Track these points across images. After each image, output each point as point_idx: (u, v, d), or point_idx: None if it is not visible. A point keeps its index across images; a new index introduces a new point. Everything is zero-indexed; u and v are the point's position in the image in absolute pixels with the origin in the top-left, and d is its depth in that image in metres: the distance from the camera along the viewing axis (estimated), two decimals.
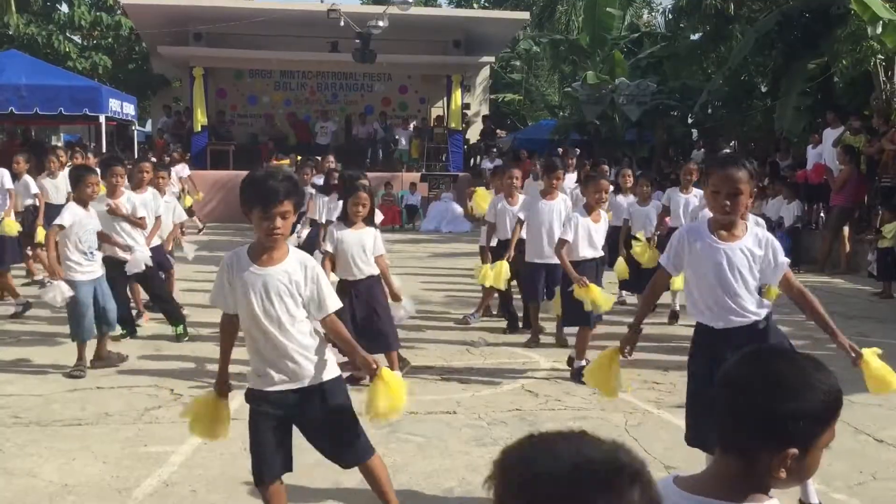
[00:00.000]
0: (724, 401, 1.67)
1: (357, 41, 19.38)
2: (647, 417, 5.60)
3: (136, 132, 22.73)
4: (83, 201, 6.56)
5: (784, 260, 3.88)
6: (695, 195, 8.53)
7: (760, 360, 1.68)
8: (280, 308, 3.41)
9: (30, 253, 9.99)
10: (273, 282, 3.40)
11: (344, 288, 5.91)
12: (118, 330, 7.05)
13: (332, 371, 3.57)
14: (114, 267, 7.04)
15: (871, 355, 3.72)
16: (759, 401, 1.59)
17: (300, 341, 3.46)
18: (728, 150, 17.70)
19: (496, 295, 8.52)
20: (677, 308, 8.65)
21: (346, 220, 6.08)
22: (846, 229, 13.32)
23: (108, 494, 4.21)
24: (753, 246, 3.83)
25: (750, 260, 3.81)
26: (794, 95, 15.99)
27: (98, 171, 7.25)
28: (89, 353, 6.56)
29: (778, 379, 1.60)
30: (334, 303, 3.56)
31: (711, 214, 3.95)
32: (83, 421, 5.33)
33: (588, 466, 1.20)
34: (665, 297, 9.06)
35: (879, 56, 13.88)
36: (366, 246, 6.04)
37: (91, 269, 6.52)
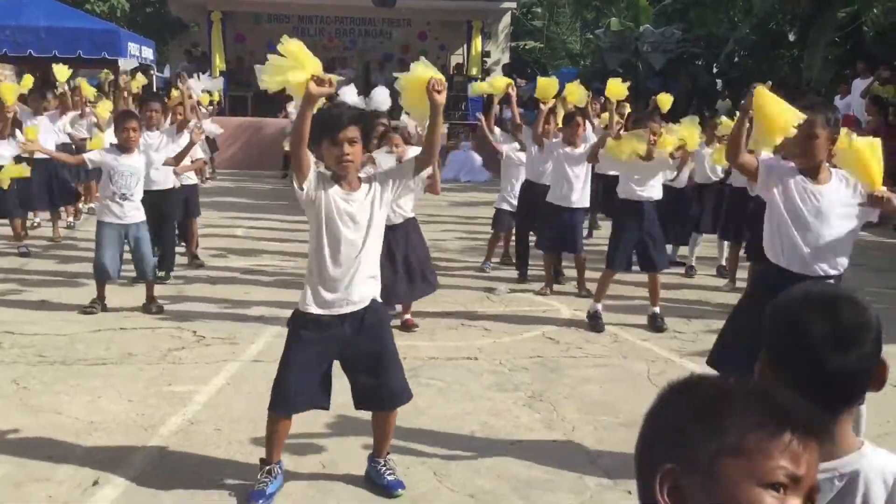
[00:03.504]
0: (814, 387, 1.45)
1: None
2: (670, 366, 5.57)
3: (155, 77, 22.58)
4: (121, 146, 6.54)
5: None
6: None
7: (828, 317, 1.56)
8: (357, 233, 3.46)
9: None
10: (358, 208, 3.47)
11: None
12: (153, 275, 6.80)
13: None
14: (165, 201, 7.34)
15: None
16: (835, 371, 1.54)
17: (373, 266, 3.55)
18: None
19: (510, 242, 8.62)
20: (693, 264, 8.62)
21: None
22: None
23: (133, 431, 4.25)
24: (842, 188, 3.73)
25: (840, 204, 3.71)
26: (823, 45, 15.66)
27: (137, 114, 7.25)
28: (118, 295, 6.62)
29: (846, 338, 1.55)
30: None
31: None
32: (107, 361, 5.38)
33: None
34: (682, 250, 9.01)
35: None
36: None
37: (120, 215, 6.49)
